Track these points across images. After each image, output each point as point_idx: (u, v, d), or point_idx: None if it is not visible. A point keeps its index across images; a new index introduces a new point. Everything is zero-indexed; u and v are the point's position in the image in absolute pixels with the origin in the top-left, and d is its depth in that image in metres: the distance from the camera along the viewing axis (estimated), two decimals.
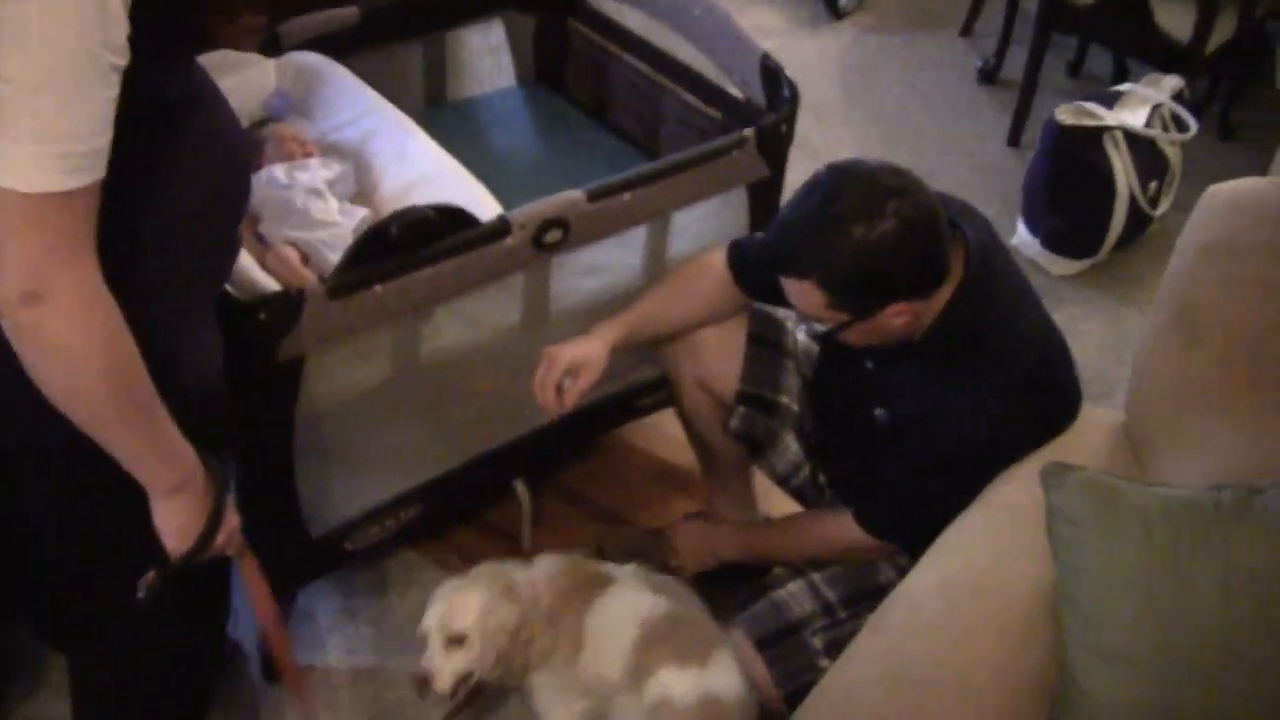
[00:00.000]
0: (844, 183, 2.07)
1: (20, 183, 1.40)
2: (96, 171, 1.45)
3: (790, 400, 2.57)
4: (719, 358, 2.58)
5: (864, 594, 2.41)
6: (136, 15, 1.45)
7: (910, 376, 2.25)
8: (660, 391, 2.93)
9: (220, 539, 1.81)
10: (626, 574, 2.49)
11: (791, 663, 2.34)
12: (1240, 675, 1.83)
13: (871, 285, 2.09)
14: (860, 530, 2.37)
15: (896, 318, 2.12)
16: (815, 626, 2.38)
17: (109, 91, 1.44)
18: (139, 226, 1.62)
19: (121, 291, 1.54)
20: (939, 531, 2.16)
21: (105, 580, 1.89)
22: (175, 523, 1.75)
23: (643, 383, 2.95)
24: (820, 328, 2.21)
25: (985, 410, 2.17)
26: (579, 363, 2.43)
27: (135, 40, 1.45)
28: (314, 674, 2.70)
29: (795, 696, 2.26)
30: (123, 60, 1.44)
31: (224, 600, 2.20)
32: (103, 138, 1.45)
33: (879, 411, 2.32)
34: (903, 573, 2.34)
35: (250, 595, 2.02)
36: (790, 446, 2.58)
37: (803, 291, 2.11)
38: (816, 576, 2.44)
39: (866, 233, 2.02)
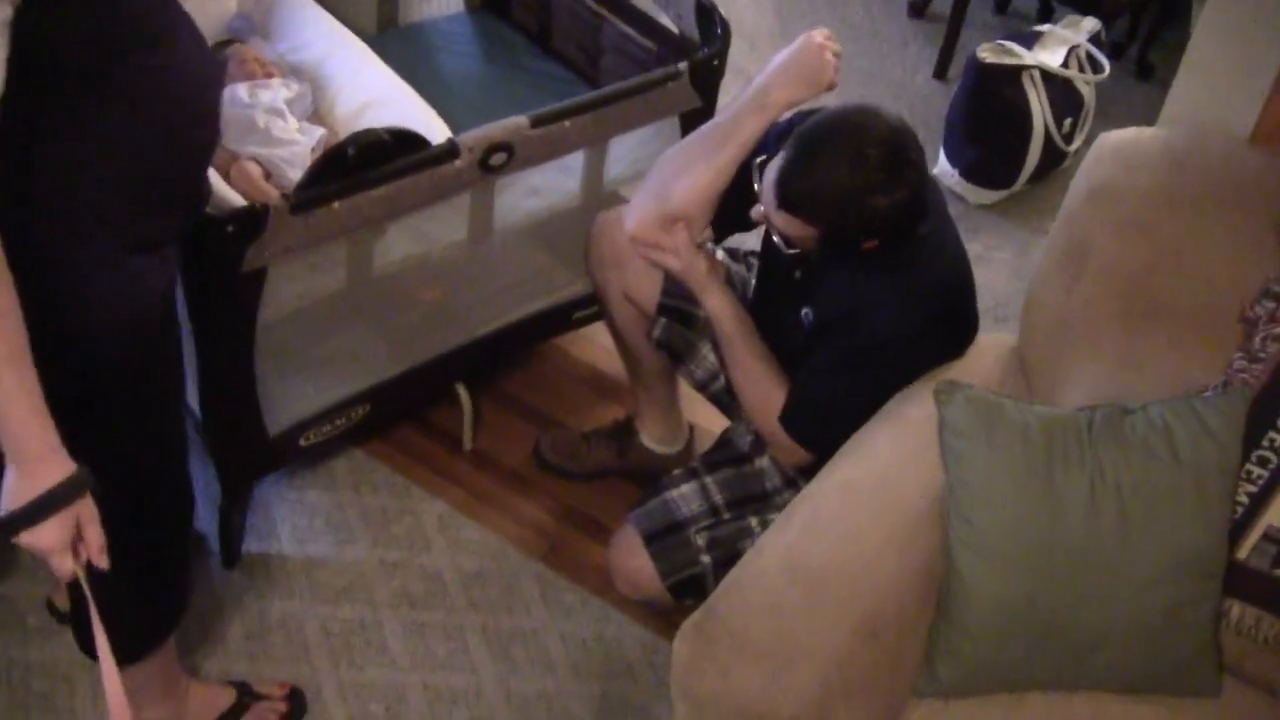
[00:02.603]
0: (883, 147, 2.17)
1: None
2: None
3: None
4: (643, 272, 2.73)
5: (749, 498, 2.60)
6: None
7: (836, 280, 2.40)
8: (593, 306, 3.11)
9: (27, 537, 1.72)
10: None
11: (674, 557, 2.51)
12: (1099, 574, 2.05)
13: (867, 235, 2.25)
14: (780, 425, 2.48)
15: (862, 246, 2.29)
16: (700, 525, 2.54)
17: None
18: (63, 162, 1.70)
19: (25, 228, 1.64)
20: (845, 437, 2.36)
21: None
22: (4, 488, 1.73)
23: (577, 297, 3.14)
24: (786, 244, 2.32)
25: (901, 313, 2.33)
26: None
27: None
28: (270, 560, 2.91)
29: (679, 589, 2.51)
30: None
31: (188, 499, 2.36)
32: None
33: (805, 311, 2.45)
34: (789, 482, 2.58)
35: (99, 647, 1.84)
36: (708, 357, 2.75)
37: (799, 227, 2.24)
38: (708, 480, 2.60)
39: (884, 201, 2.18)
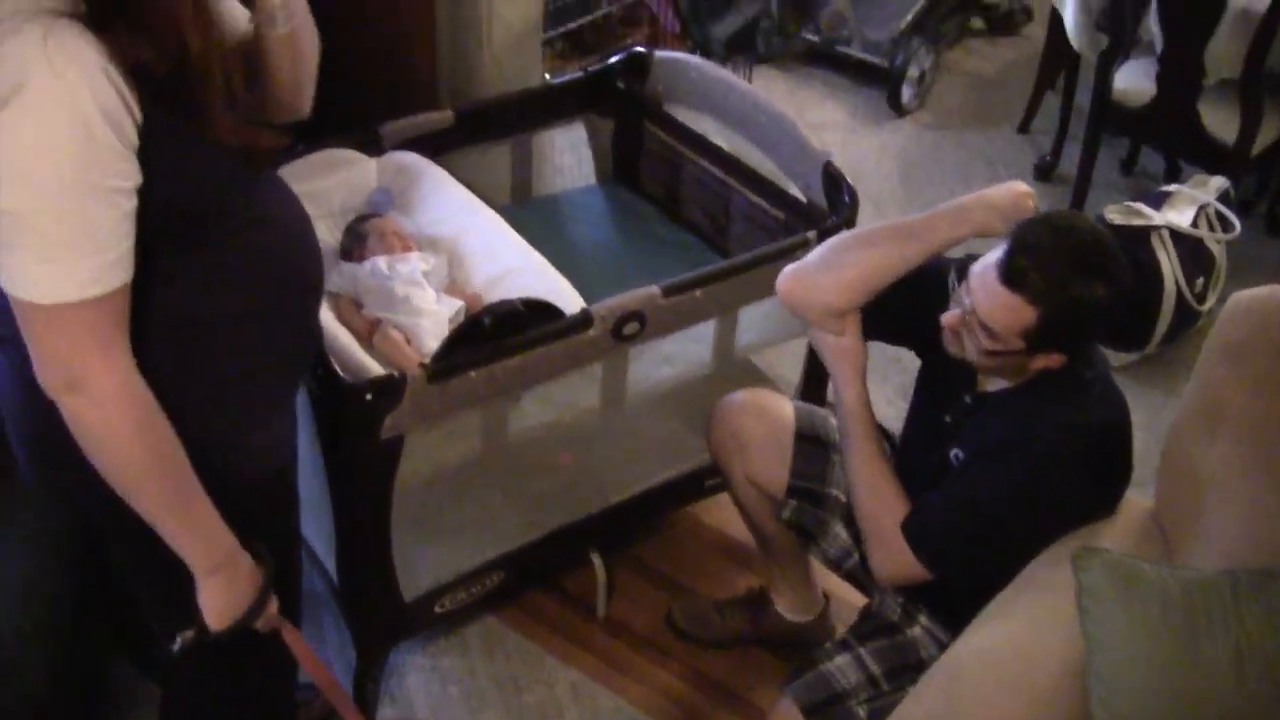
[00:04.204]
0: (1104, 240, 2.23)
1: (38, 295, 1.61)
2: (113, 280, 1.63)
3: (838, 491, 2.71)
4: (766, 457, 2.75)
5: (906, 668, 2.53)
6: (150, 131, 1.62)
7: (989, 419, 2.40)
8: None
9: (260, 624, 1.95)
10: None
11: None
12: None
13: (1072, 334, 2.26)
14: (899, 532, 2.43)
15: (1046, 360, 2.29)
16: (860, 698, 2.49)
17: (115, 211, 1.61)
18: (181, 326, 1.79)
19: (165, 383, 1.73)
20: (972, 569, 2.35)
21: (173, 622, 1.99)
22: (212, 602, 1.89)
23: (709, 465, 3.13)
24: (976, 347, 2.29)
25: (1061, 444, 2.31)
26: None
27: (155, 156, 1.63)
28: None
29: None
30: (128, 181, 1.61)
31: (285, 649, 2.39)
32: (113, 251, 1.62)
33: (955, 452, 2.44)
34: (943, 649, 2.52)
35: (301, 663, 2.15)
36: (840, 534, 2.72)
37: (1014, 309, 2.21)
38: (863, 651, 2.55)
39: (1101, 290, 2.19)
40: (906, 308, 2.48)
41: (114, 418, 1.68)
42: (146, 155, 1.62)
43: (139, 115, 1.61)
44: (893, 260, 2.45)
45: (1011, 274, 2.21)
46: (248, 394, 1.91)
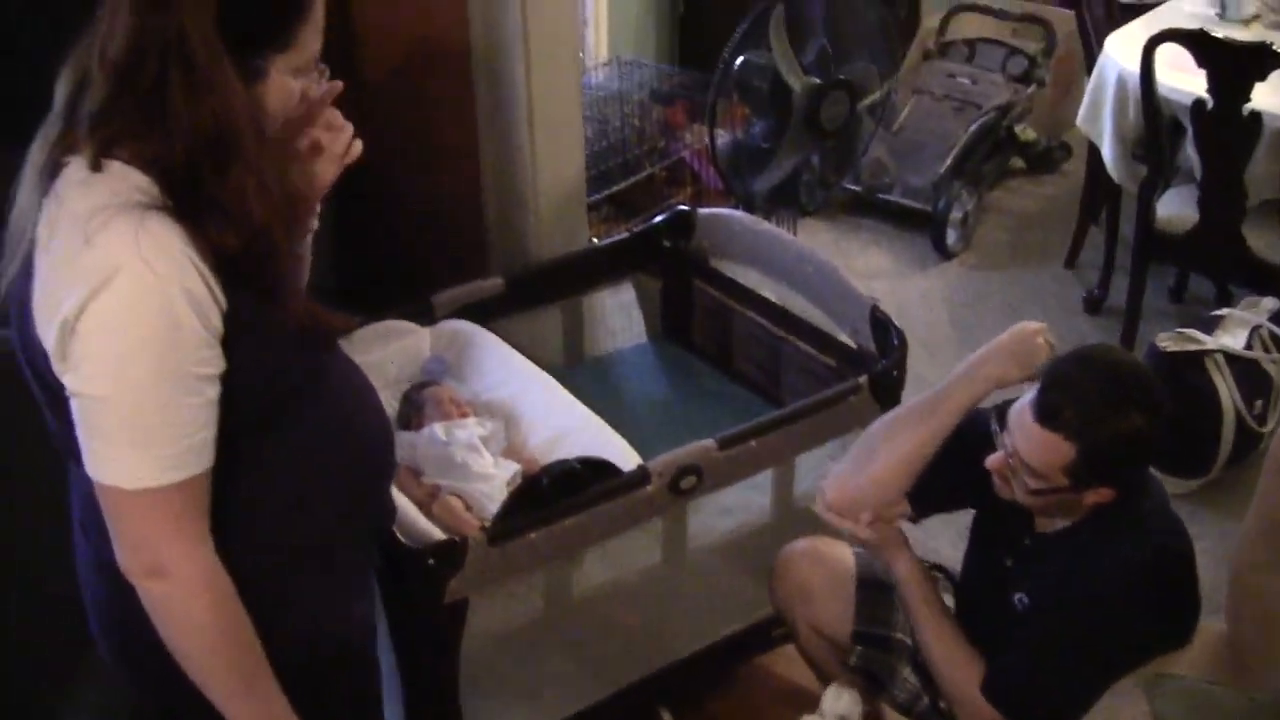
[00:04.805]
0: (1137, 370, 2.26)
1: (123, 481, 1.63)
2: (196, 466, 1.66)
3: (904, 635, 2.68)
4: (829, 605, 2.74)
5: None
6: (234, 317, 1.65)
7: (1055, 558, 2.38)
8: None
9: None
10: None
11: None
12: None
13: (1116, 466, 2.25)
14: (978, 693, 2.41)
15: (1096, 496, 2.27)
16: None
17: (199, 398, 1.64)
18: (257, 506, 1.80)
19: (237, 562, 1.74)
20: (1057, 716, 2.31)
21: None
22: None
23: (775, 616, 3.12)
24: (1023, 488, 2.29)
25: (1127, 583, 2.28)
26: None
27: (239, 343, 1.66)
28: None
29: None
30: (213, 369, 1.64)
31: None
32: (197, 437, 1.65)
33: (1018, 597, 2.42)
34: None
35: None
36: (909, 679, 2.69)
37: (1054, 447, 2.21)
38: None
39: (1139, 420, 2.19)
40: (951, 475, 2.49)
41: (192, 603, 1.70)
42: (231, 342, 1.66)
43: (224, 302, 1.64)
44: (921, 442, 2.48)
45: (1046, 412, 2.22)
46: (323, 573, 1.92)
